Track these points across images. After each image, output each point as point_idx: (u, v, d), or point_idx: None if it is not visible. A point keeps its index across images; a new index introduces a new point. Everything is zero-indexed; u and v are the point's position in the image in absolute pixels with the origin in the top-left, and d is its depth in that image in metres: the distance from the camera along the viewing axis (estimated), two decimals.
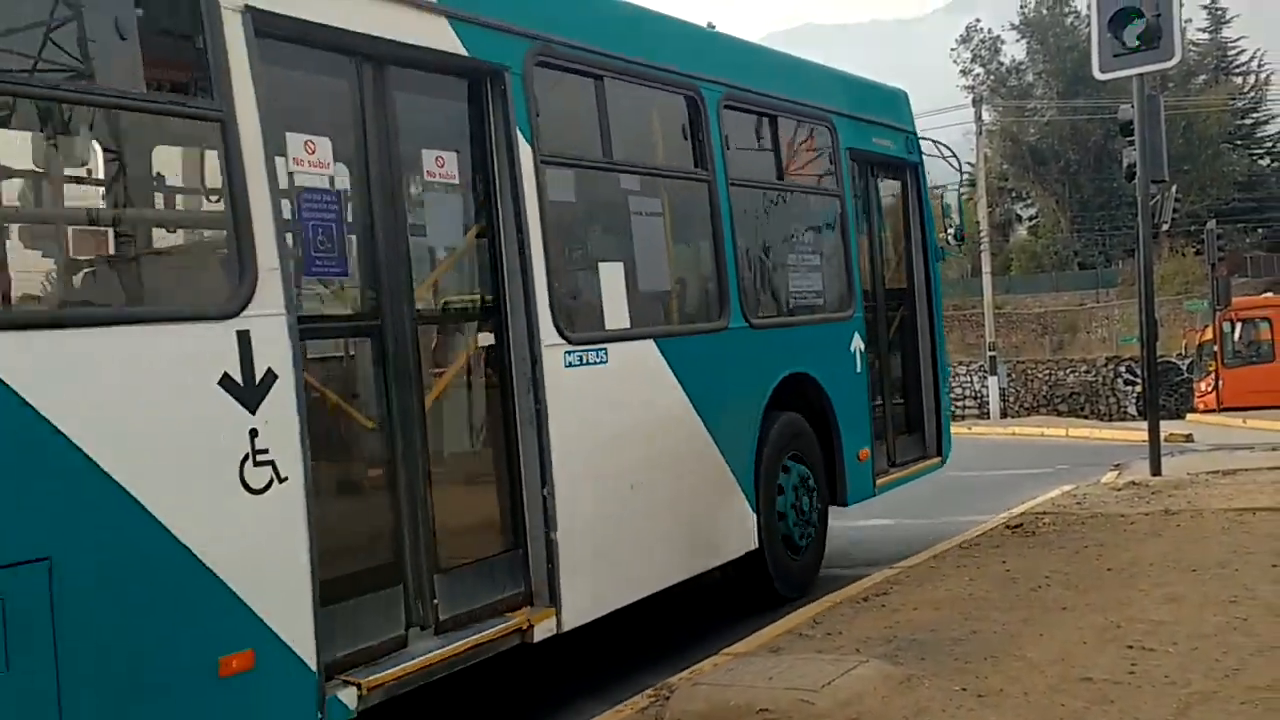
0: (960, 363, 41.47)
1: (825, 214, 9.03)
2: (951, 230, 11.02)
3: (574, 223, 6.63)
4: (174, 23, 4.34)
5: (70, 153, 4.60)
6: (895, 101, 10.46)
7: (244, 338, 4.29)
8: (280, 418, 4.40)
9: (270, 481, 4.37)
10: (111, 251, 4.69)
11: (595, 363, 6.18)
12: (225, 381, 4.24)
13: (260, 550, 4.34)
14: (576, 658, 7.14)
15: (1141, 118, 12.53)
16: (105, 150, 4.66)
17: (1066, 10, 64.97)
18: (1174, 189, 33.60)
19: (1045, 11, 66.01)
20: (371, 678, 4.78)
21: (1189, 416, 31.34)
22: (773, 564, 7.87)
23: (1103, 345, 45.25)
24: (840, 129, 9.01)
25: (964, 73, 67.52)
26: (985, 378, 37.50)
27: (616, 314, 6.51)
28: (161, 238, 5.01)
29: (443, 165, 5.62)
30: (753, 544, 7.60)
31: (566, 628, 5.86)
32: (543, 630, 5.72)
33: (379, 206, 5.19)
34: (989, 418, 35.95)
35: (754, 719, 5.15)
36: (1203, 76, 66.08)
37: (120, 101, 4.32)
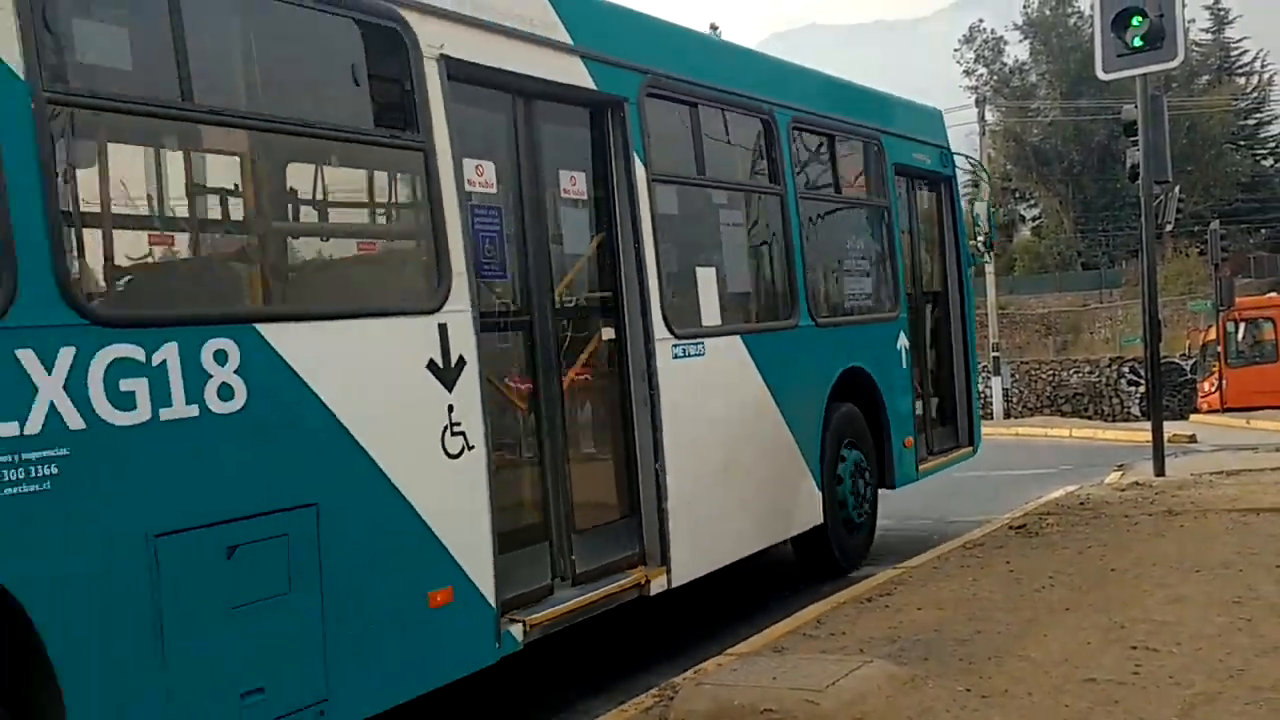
0: None
1: (875, 223, 9.96)
2: (981, 238, 11.76)
3: (677, 232, 7.48)
4: (389, 70, 5.24)
5: (330, 181, 5.69)
6: (932, 120, 11.47)
7: (443, 329, 5.25)
8: (469, 396, 5.35)
9: (463, 449, 5.31)
10: (353, 257, 6.00)
11: (695, 355, 7.11)
12: (431, 365, 5.19)
13: (456, 506, 5.29)
14: (580, 657, 7.16)
15: (1145, 118, 12.53)
16: (345, 179, 5.82)
17: (1069, 10, 65.02)
18: (1177, 189, 33.58)
19: (1048, 12, 66.05)
20: (532, 617, 5.71)
21: (1192, 417, 31.32)
22: (834, 538, 8.83)
23: (1106, 346, 45.21)
24: (887, 146, 9.90)
25: (967, 73, 67.62)
26: (989, 378, 37.48)
27: (711, 312, 7.46)
28: (384, 248, 6.25)
29: (574, 183, 6.59)
30: (819, 519, 8.55)
31: (675, 584, 6.74)
32: (657, 585, 6.61)
33: (528, 219, 6.19)
34: (993, 418, 35.91)
35: (758, 719, 5.16)
36: (1206, 77, 66.09)
37: (358, 137, 5.34)
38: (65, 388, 3.72)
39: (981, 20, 70.49)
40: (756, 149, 8.37)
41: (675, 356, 6.88)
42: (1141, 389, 36.95)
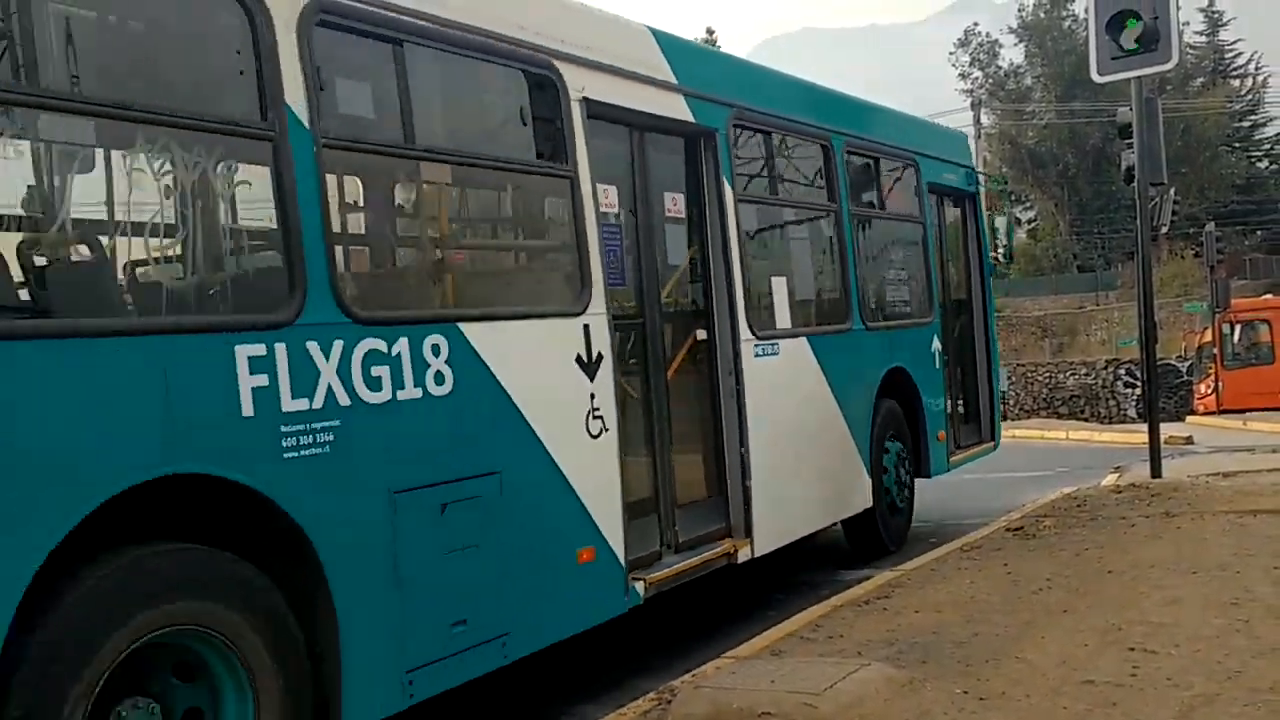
0: None
1: (912, 237, 11.02)
2: (1001, 250, 13.00)
3: (756, 246, 8.61)
4: (544, 110, 6.33)
5: (502, 204, 7.08)
6: (959, 142, 12.87)
7: (586, 329, 6.31)
8: (605, 386, 6.39)
9: (601, 431, 6.36)
10: (521, 268, 7.07)
11: (772, 354, 8.15)
12: (578, 359, 6.25)
13: (596, 479, 6.31)
14: (576, 661, 7.15)
15: (1140, 120, 12.56)
16: (513, 201, 7.01)
17: (1064, 14, 65.08)
18: (1172, 191, 33.59)
19: (1043, 15, 66.13)
20: (650, 576, 6.70)
21: (1189, 419, 31.33)
22: (881, 520, 9.86)
23: (1102, 348, 45.20)
24: (922, 166, 11.01)
25: (963, 76, 67.68)
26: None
27: (783, 316, 8.52)
28: (543, 260, 7.16)
29: (675, 204, 7.63)
30: (869, 503, 9.60)
31: (758, 554, 7.76)
32: (743, 555, 7.61)
33: (640, 235, 7.24)
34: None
35: None
36: (1200, 79, 66.23)
37: (524, 168, 6.51)
38: (337, 372, 4.81)
39: (976, 24, 70.51)
40: (817, 171, 9.40)
41: (756, 355, 7.93)
42: (1138, 391, 36.96)
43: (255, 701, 4.44)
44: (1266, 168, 69.53)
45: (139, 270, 4.90)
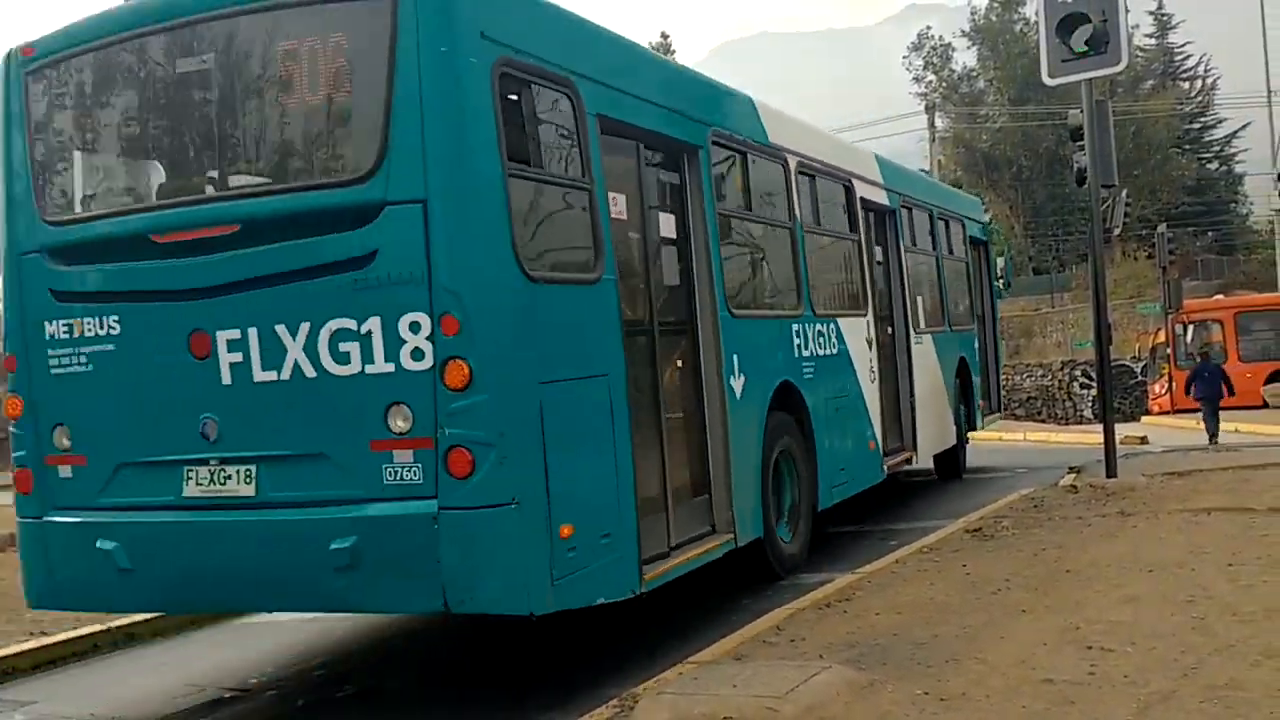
0: None
1: (964, 272, 16.09)
2: (1001, 280, 18.63)
3: (912, 281, 13.32)
4: (847, 208, 11.76)
5: (839, 258, 11.75)
6: (977, 205, 19.23)
7: (867, 323, 11.58)
8: (876, 356, 11.68)
9: (875, 379, 11.50)
10: (846, 285, 11.61)
11: (919, 343, 13.12)
12: (866, 339, 11.32)
13: (874, 403, 11.44)
14: (539, 668, 7.13)
15: (1091, 122, 12.67)
16: (842, 254, 11.95)
17: (1016, 17, 65.48)
18: (1124, 193, 33.89)
19: (995, 18, 66.49)
20: (886, 463, 11.91)
21: (1143, 419, 31.63)
22: (960, 455, 15.41)
23: (1058, 349, 45.59)
24: (967, 225, 16.43)
25: (916, 79, 67.96)
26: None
27: (920, 322, 13.36)
28: (851, 287, 11.72)
29: (882, 256, 12.98)
30: (954, 441, 14.85)
31: (918, 463, 13.19)
32: (913, 462, 12.91)
33: (876, 271, 12.73)
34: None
35: None
36: (1150, 82, 66.85)
37: (844, 237, 11.65)
38: (808, 337, 10.03)
39: (929, 27, 70.90)
40: (941, 236, 14.82)
41: (914, 344, 12.93)
42: (1093, 392, 37.29)
43: (796, 482, 9.44)
44: (1217, 169, 70.29)
45: (773, 289, 10.02)
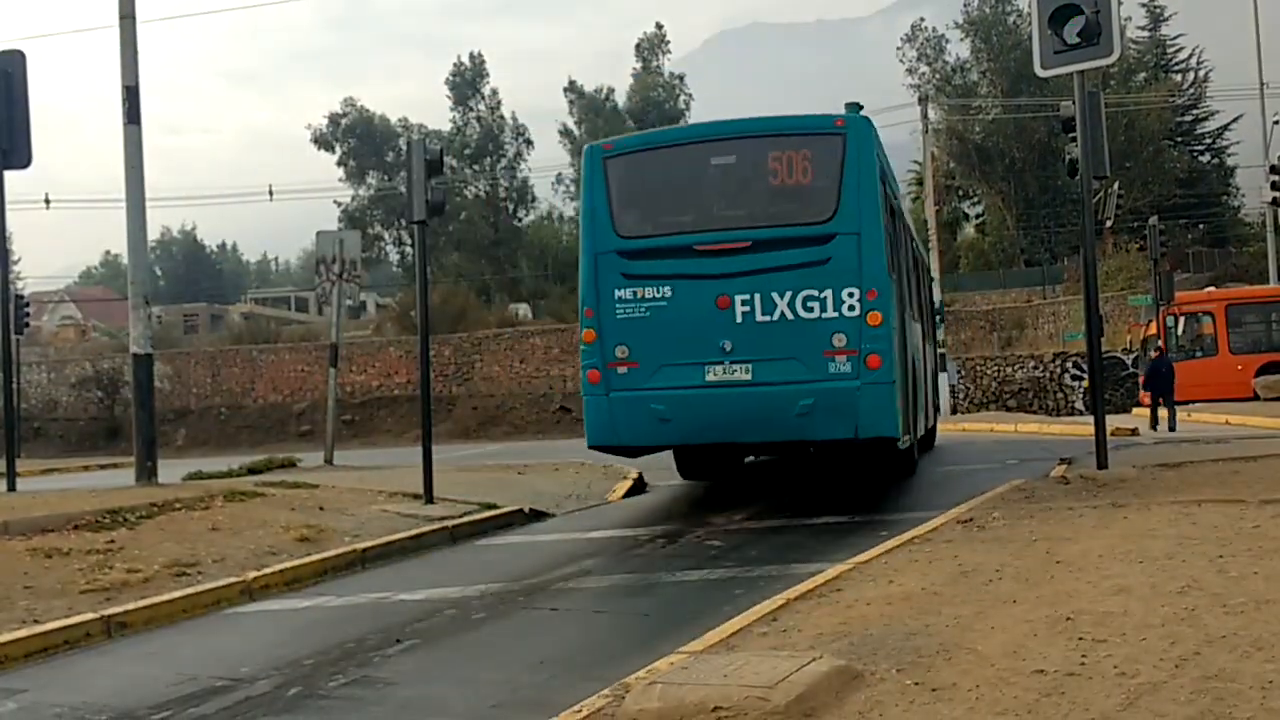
0: None
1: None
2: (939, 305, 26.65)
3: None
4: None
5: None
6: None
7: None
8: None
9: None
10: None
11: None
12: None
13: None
14: (537, 661, 7.13)
15: (1083, 114, 12.68)
16: None
17: (1009, 9, 65.56)
18: (1116, 185, 34.04)
19: (988, 10, 66.56)
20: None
21: (1135, 411, 31.70)
22: (927, 441, 19.36)
23: (1050, 341, 45.66)
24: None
25: (910, 71, 68.07)
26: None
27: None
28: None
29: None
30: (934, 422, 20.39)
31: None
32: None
33: None
34: (940, 414, 36.22)
35: (709, 717, 5.16)
36: (1143, 74, 66.95)
37: None
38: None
39: (923, 19, 70.91)
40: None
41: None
42: (1085, 384, 37.38)
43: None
44: (1208, 162, 70.44)
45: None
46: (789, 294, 11.88)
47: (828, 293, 11.80)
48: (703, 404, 12.17)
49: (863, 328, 11.72)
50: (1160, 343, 28.56)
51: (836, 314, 11.77)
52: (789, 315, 11.86)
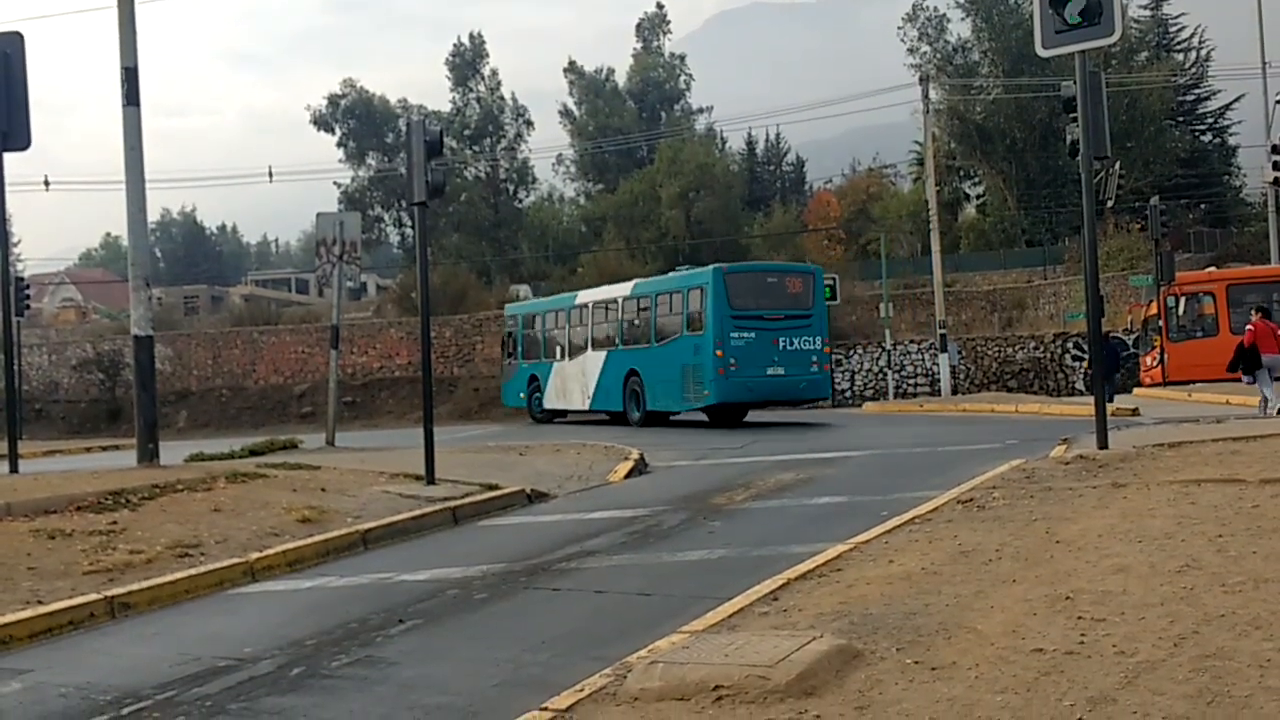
0: (911, 340, 41.80)
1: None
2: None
3: None
4: None
5: None
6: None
7: None
8: None
9: None
10: None
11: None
12: None
13: None
14: (537, 643, 7.16)
15: (1084, 94, 12.67)
16: None
17: None
18: (1117, 165, 33.96)
19: None
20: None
21: (1135, 391, 31.73)
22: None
23: (1051, 322, 45.64)
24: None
25: (911, 51, 67.81)
26: (936, 355, 37.80)
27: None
28: None
29: None
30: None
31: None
32: None
33: None
34: (940, 395, 36.26)
35: (710, 695, 5.19)
36: (1144, 54, 66.61)
37: None
38: None
39: None
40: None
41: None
42: (1085, 364, 37.37)
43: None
44: (1210, 141, 70.21)
45: None
46: (798, 338, 25.54)
47: (809, 338, 25.81)
48: (764, 383, 25.26)
49: (819, 353, 26.23)
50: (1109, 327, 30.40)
51: (815, 346, 25.97)
52: (796, 347, 25.54)
